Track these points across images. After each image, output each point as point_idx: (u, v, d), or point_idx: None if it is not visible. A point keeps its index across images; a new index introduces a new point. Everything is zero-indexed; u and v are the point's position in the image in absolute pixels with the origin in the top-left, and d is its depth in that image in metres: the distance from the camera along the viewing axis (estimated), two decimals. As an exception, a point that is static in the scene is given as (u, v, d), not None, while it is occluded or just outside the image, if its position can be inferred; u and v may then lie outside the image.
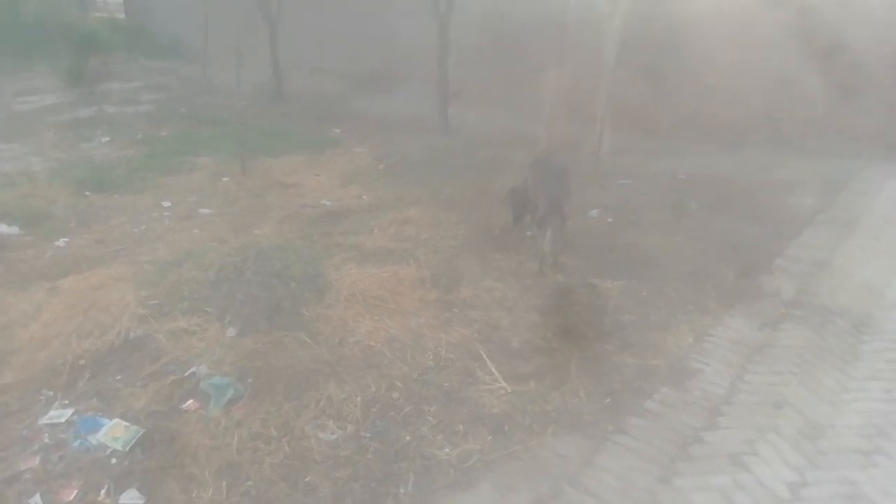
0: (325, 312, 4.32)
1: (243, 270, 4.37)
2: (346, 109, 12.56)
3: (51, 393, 3.55)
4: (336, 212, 6.92)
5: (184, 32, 16.63)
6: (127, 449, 3.13)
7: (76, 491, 2.91)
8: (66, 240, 6.02)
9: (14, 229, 6.17)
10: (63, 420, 3.32)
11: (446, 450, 3.25)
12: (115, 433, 3.21)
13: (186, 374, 3.67)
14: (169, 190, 7.59)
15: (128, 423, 3.29)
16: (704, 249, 6.00)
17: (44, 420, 3.33)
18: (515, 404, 3.60)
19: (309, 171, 8.63)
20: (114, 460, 3.09)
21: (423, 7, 12.31)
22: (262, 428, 3.30)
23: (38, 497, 2.87)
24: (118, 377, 3.67)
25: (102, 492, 2.91)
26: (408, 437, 3.33)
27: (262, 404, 3.47)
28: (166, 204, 7.12)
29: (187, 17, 15.75)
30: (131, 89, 13.07)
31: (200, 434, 3.23)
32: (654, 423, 3.49)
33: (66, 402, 3.48)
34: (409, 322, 4.31)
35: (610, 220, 6.77)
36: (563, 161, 5.75)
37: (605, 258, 5.60)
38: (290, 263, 4.48)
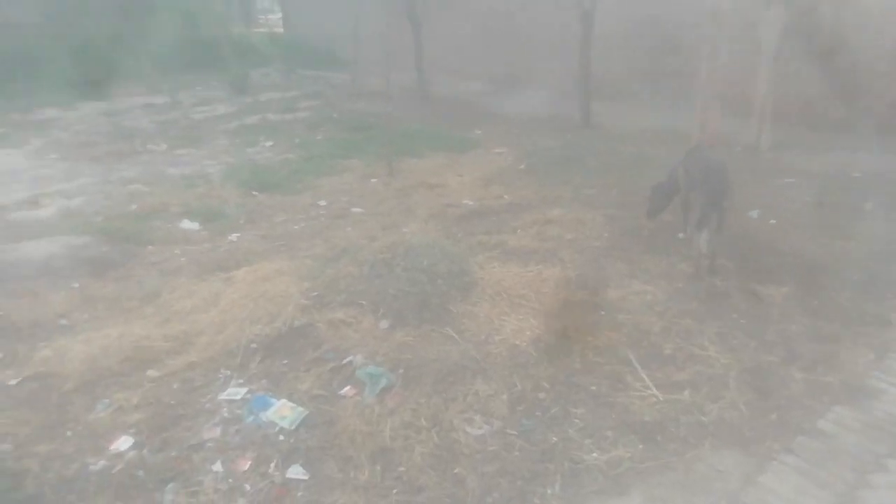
0: (470, 309, 4.40)
1: (393, 266, 4.57)
2: (487, 110, 12.70)
3: (228, 372, 3.93)
4: (478, 211, 7.02)
5: (336, 43, 17.66)
6: (293, 427, 3.39)
7: (250, 462, 3.20)
8: (237, 235, 6.62)
9: (195, 225, 6.89)
10: (238, 397, 3.67)
11: (594, 454, 3.19)
12: (282, 412, 3.49)
13: (344, 362, 3.90)
14: (324, 190, 8.10)
15: (293, 404, 3.56)
16: (884, 255, 5.40)
17: (223, 396, 3.70)
18: (668, 413, 3.46)
19: (452, 171, 8.83)
20: (281, 437, 3.36)
21: (564, 4, 12.14)
22: (412, 418, 3.43)
23: (218, 464, 3.18)
24: (284, 361, 3.98)
25: (272, 465, 3.18)
26: (554, 439, 3.31)
27: (413, 395, 3.61)
28: (322, 203, 7.61)
29: (339, 28, 16.72)
30: (290, 98, 14.11)
31: (357, 419, 3.41)
32: (827, 445, 3.19)
33: (241, 381, 3.83)
34: (555, 323, 4.27)
35: (773, 221, 6.28)
36: (721, 156, 5.42)
37: (768, 262, 5.20)
38: (437, 261, 4.62)
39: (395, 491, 3.00)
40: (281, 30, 23.74)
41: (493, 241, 5.64)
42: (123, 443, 3.36)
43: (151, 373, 3.98)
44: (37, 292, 5.15)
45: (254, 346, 4.11)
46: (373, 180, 8.50)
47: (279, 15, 24.73)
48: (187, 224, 6.89)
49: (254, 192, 7.94)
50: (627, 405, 3.53)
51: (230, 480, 3.08)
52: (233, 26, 21.10)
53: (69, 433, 3.47)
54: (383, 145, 9.07)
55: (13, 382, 3.94)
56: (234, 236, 6.60)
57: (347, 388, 3.70)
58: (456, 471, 3.11)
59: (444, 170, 8.93)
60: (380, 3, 13.67)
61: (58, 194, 7.80)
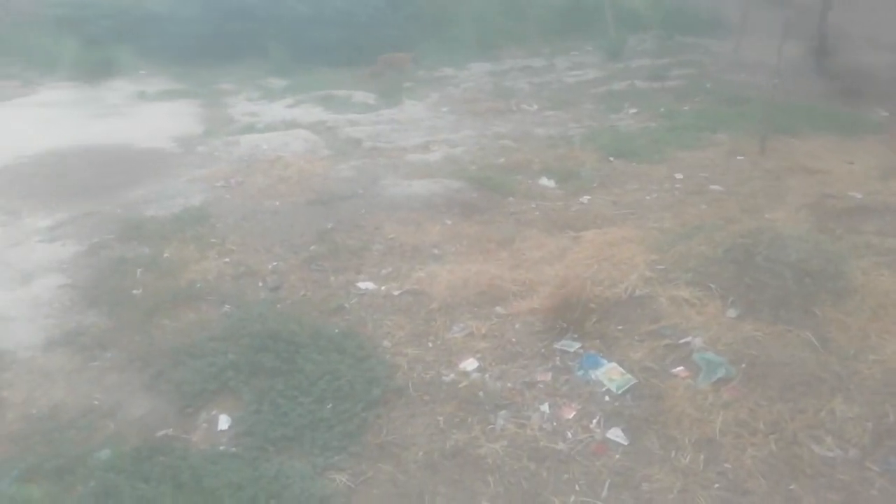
0: (841, 318, 3.82)
1: (754, 255, 4.19)
2: (900, 89, 10.50)
3: (564, 325, 4.14)
4: (869, 207, 5.97)
5: (722, 6, 16.39)
6: (619, 392, 3.45)
7: (574, 412, 3.37)
8: (589, 198, 6.82)
9: (551, 183, 7.30)
10: (572, 350, 3.86)
11: None
12: (611, 375, 3.56)
13: (681, 341, 3.78)
14: (682, 163, 7.76)
15: (623, 370, 3.61)
16: None
17: (557, 345, 3.93)
18: None
19: (838, 156, 7.63)
20: (607, 398, 3.45)
21: None
22: (749, 418, 3.18)
23: (546, 406, 3.43)
24: (619, 327, 4.03)
25: (594, 421, 3.29)
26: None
27: (753, 394, 3.33)
28: (678, 176, 7.32)
29: (728, -10, 15.45)
30: (662, 65, 13.67)
31: (686, 402, 3.30)
32: None
33: (576, 336, 4.01)
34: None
35: None
36: None
37: None
38: (808, 257, 4.08)
39: (716, 486, 2.85)
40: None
41: (886, 245, 4.74)
42: (470, 364, 3.84)
43: (499, 309, 4.43)
44: (419, 223, 6.09)
45: (592, 305, 4.24)
46: (739, 157, 7.83)
47: (664, -23, 23.86)
48: (545, 181, 7.33)
49: (610, 158, 8.02)
50: None
51: (554, 423, 3.30)
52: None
53: (430, 344, 4.11)
54: (758, 121, 8.24)
55: (396, 293, 4.79)
56: (585, 198, 6.81)
57: (680, 368, 3.60)
58: (791, 487, 2.81)
59: (828, 154, 7.76)
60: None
61: (444, 142, 9.00)
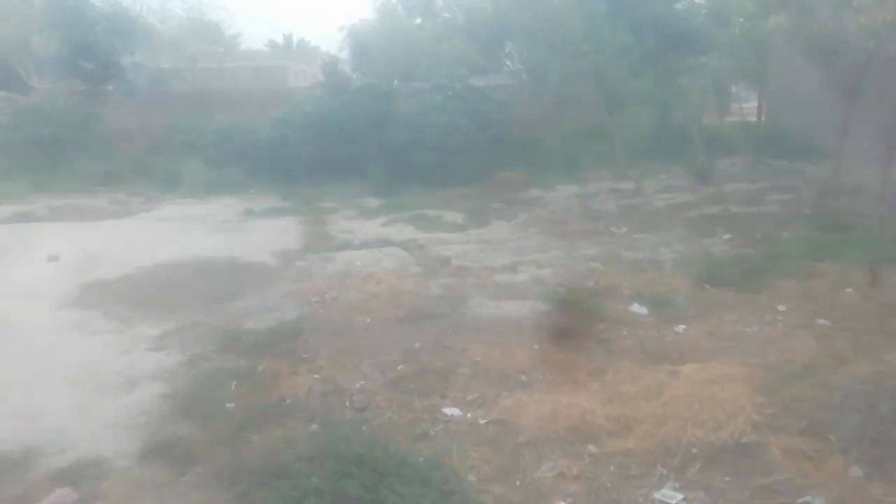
0: None
1: (876, 404, 3.82)
2: None
3: (664, 471, 3.86)
4: None
5: (816, 133, 16.17)
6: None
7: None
8: (684, 327, 6.55)
9: (643, 310, 7.09)
10: (673, 502, 3.56)
11: None
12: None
13: (799, 501, 3.41)
14: (784, 293, 7.38)
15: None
16: None
17: (657, 495, 3.65)
18: None
19: (961, 293, 7.03)
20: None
21: None
22: None
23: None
24: (726, 478, 3.71)
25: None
26: None
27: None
28: (781, 308, 6.95)
29: (822, 117, 15.27)
30: (756, 189, 13.45)
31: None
32: None
33: (678, 485, 3.72)
34: None
35: None
36: None
37: None
38: (943, 410, 3.68)
39: None
40: (754, 118, 23.02)
41: None
42: (561, 507, 3.61)
43: (591, 448, 4.20)
44: (506, 346, 6.03)
45: (694, 450, 3.96)
46: (848, 290, 7.38)
47: (754, 103, 24.05)
48: (636, 308, 7.14)
49: (705, 285, 7.77)
50: None
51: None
52: (705, 115, 21.35)
53: (517, 483, 3.92)
54: (866, 250, 7.81)
55: (482, 422, 4.67)
56: (680, 328, 6.55)
57: (799, 533, 3.22)
58: None
59: (948, 290, 7.17)
60: (881, 90, 12.01)
61: (532, 263, 9.05)
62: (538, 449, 4.24)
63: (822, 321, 6.51)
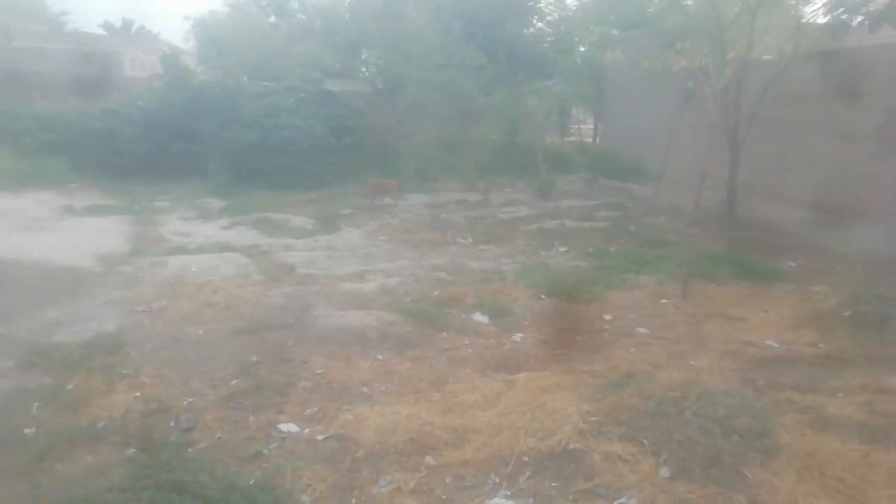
0: (771, 480, 3.80)
1: (683, 409, 4.22)
2: (806, 241, 11.39)
3: (497, 480, 3.96)
4: (785, 358, 6.20)
5: (644, 156, 17.81)
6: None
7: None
8: (521, 335, 6.83)
9: (485, 319, 7.32)
10: (503, 510, 3.65)
11: None
12: (544, 541, 3.36)
13: (616, 502, 3.65)
14: (611, 304, 7.97)
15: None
16: None
17: (490, 503, 3.72)
18: None
19: (755, 304, 8.02)
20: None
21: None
22: None
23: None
24: (553, 484, 3.88)
25: None
26: None
27: (690, 565, 3.19)
28: (607, 317, 7.49)
29: (649, 142, 16.86)
30: (590, 206, 14.51)
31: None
32: None
33: (509, 493, 3.83)
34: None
35: None
36: None
37: None
38: (736, 414, 4.13)
39: None
40: (590, 140, 24.89)
41: (805, 402, 4.86)
42: (396, 525, 3.56)
43: (429, 460, 4.21)
44: (350, 357, 5.91)
45: (526, 458, 4.10)
46: (663, 301, 8.13)
47: (591, 125, 26.02)
48: (479, 317, 7.35)
49: (541, 296, 8.17)
50: None
51: None
52: (548, 135, 22.74)
53: (353, 501, 3.81)
54: (680, 265, 8.68)
55: (320, 438, 4.51)
56: (518, 336, 6.82)
57: (622, 535, 3.44)
58: None
59: (745, 301, 8.15)
60: (698, 121, 13.50)
61: (380, 272, 9.01)
62: (376, 464, 4.17)
63: (641, 330, 7.09)
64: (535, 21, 18.88)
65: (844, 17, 9.85)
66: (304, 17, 22.86)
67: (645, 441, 4.09)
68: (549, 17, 19.30)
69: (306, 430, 4.61)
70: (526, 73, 17.40)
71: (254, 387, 5.24)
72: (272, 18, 22.99)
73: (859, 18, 9.67)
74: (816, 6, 11.48)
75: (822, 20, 10.97)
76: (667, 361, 6.07)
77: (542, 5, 18.71)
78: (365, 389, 5.33)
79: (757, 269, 9.50)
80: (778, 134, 13.86)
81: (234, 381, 5.32)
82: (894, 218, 11.24)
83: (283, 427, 4.65)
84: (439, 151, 17.84)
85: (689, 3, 13.32)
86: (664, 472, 3.87)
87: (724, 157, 12.90)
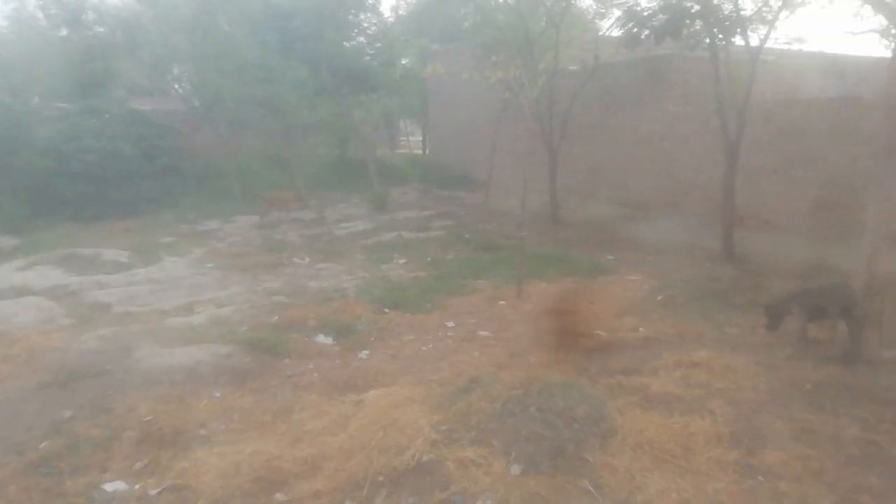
0: (610, 461, 4.06)
1: (527, 406, 4.37)
2: (620, 235, 12.51)
3: (353, 504, 3.82)
4: (612, 344, 6.71)
5: (471, 165, 18.57)
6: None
7: None
8: (367, 352, 6.74)
9: (329, 340, 7.11)
10: (360, 537, 3.52)
11: None
12: (406, 562, 3.28)
13: (472, 509, 3.67)
14: (452, 311, 8.14)
15: (418, 554, 3.35)
16: None
17: (347, 534, 3.57)
18: None
19: (582, 297, 8.59)
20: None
21: (705, 132, 12.03)
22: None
23: None
24: (411, 499, 3.82)
25: None
26: None
27: (546, 558, 3.29)
28: (450, 324, 7.63)
29: (475, 151, 17.61)
30: (424, 216, 14.77)
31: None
32: None
33: (366, 518, 3.70)
34: (706, 486, 3.82)
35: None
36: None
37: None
38: (574, 404, 4.37)
39: None
40: (420, 151, 25.43)
41: (633, 384, 5.27)
42: (247, 574, 3.29)
43: (279, 496, 3.96)
44: (182, 398, 5.42)
45: (380, 478, 4.00)
46: (501, 303, 8.46)
47: (420, 138, 26.59)
48: (322, 338, 7.13)
49: (385, 310, 8.14)
50: None
51: None
52: (378, 148, 22.86)
53: (197, 557, 3.47)
54: (512, 267, 9.09)
55: (153, 492, 4.06)
56: (364, 353, 6.72)
57: (475, 540, 3.46)
58: None
59: (574, 296, 8.71)
60: (518, 129, 14.30)
61: (210, 302, 8.43)
62: (220, 511, 3.84)
63: (483, 333, 7.30)
64: (355, 34, 18.90)
65: (635, 30, 10.97)
66: (102, 29, 20.83)
67: (495, 442, 4.18)
68: (369, 31, 19.40)
69: (137, 487, 4.14)
70: (350, 86, 17.35)
71: (68, 446, 4.61)
72: (63, 31, 20.68)
73: (646, 32, 10.82)
74: (611, 20, 12.72)
75: (616, 33, 12.16)
76: (509, 361, 6.29)
77: (361, 19, 18.77)
78: (202, 431, 4.91)
79: (581, 264, 10.25)
80: (588, 138, 15.16)
81: (43, 444, 4.64)
82: (690, 211, 12.76)
83: (109, 487, 4.14)
84: (266, 169, 17.20)
85: (501, 17, 14.09)
86: (515, 469, 3.97)
87: (545, 161, 13.83)
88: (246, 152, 17.64)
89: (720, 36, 10.20)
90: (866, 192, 5.84)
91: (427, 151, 24.33)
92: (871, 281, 5.66)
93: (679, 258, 10.35)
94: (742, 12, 10.10)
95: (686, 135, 12.99)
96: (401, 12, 25.35)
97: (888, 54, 6.81)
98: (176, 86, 20.44)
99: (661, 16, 10.58)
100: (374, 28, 19.71)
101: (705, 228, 11.32)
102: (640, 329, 7.16)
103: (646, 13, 10.91)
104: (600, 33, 14.13)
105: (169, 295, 8.69)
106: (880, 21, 9.37)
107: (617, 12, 12.10)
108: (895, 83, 5.60)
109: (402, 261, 10.85)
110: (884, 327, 5.86)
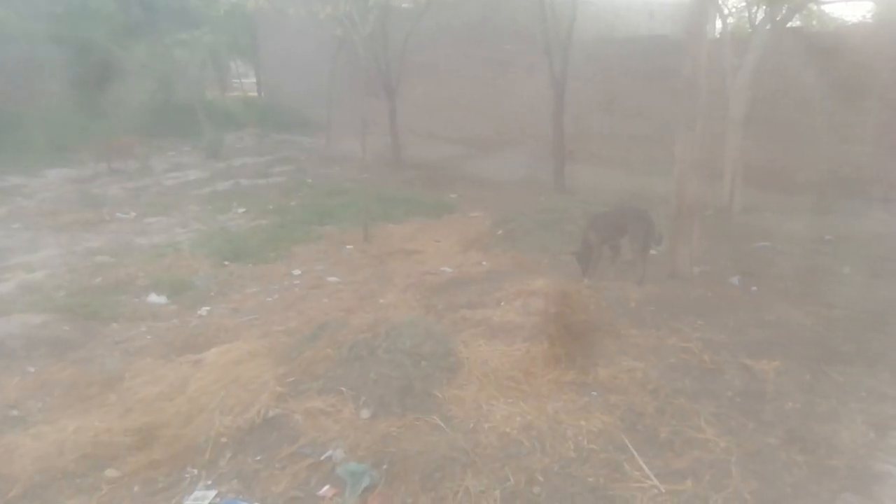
0: (457, 394, 4.18)
1: (375, 348, 4.35)
2: (462, 174, 12.75)
3: (195, 471, 3.61)
4: (458, 280, 6.87)
5: (310, 107, 17.78)
6: (267, 538, 3.09)
7: (219, 582, 2.88)
8: (208, 308, 6.34)
9: (162, 299, 6.59)
10: (206, 502, 3.35)
11: (597, 558, 2.95)
12: (255, 520, 3.18)
13: (322, 457, 3.62)
14: (298, 258, 7.89)
15: (267, 510, 3.26)
16: (869, 322, 5.36)
17: (188, 501, 3.37)
18: (671, 507, 3.25)
19: (428, 236, 8.71)
20: (255, 549, 3.05)
21: (536, 70, 12.43)
22: (398, 521, 3.16)
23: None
24: (258, 458, 3.68)
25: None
26: (553, 540, 3.07)
27: (399, 494, 3.34)
28: (296, 272, 7.38)
29: (313, 92, 16.85)
30: (264, 162, 14.01)
31: (337, 525, 3.13)
32: (842, 540, 3.01)
33: (209, 482, 3.52)
34: (546, 406, 4.07)
35: (754, 288, 6.25)
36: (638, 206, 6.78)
37: (756, 335, 5.11)
38: (421, 341, 4.41)
39: None
40: (255, 94, 23.92)
41: (477, 317, 5.45)
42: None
43: (110, 472, 3.65)
44: (-13, 379, 4.79)
45: (224, 440, 3.81)
46: (348, 247, 8.33)
47: (253, 79, 24.96)
48: (154, 298, 6.60)
49: (225, 262, 7.69)
50: (628, 499, 3.30)
51: None
52: (207, 91, 21.12)
53: (14, 551, 3.12)
54: (358, 210, 8.95)
55: (-45, 488, 3.57)
56: (203, 310, 6.32)
57: (326, 487, 3.42)
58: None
59: (420, 235, 8.81)
60: (355, 68, 13.86)
61: (18, 267, 7.45)
62: (39, 497, 3.46)
63: (331, 279, 7.15)
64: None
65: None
66: None
67: (343, 388, 4.13)
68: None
69: (-69, 487, 3.60)
70: (167, 23, 15.71)
71: None
72: None
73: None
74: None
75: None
76: (359, 304, 6.23)
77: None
78: (15, 412, 4.38)
79: (426, 204, 10.33)
80: (426, 77, 15.07)
81: None
82: (525, 147, 13.26)
83: None
84: (78, 116, 15.27)
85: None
86: (364, 413, 3.96)
87: (385, 102, 13.59)
88: (48, 99, 15.49)
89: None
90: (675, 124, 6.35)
91: (262, 94, 22.94)
92: (682, 204, 6.24)
93: (517, 193, 10.79)
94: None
95: (519, 73, 13.35)
96: (222, -61, 23.19)
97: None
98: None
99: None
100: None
101: (539, 163, 11.84)
102: (483, 263, 7.40)
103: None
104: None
105: (-38, 263, 7.55)
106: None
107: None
108: (694, 22, 6.07)
109: (242, 210, 10.27)
110: (693, 246, 6.54)
